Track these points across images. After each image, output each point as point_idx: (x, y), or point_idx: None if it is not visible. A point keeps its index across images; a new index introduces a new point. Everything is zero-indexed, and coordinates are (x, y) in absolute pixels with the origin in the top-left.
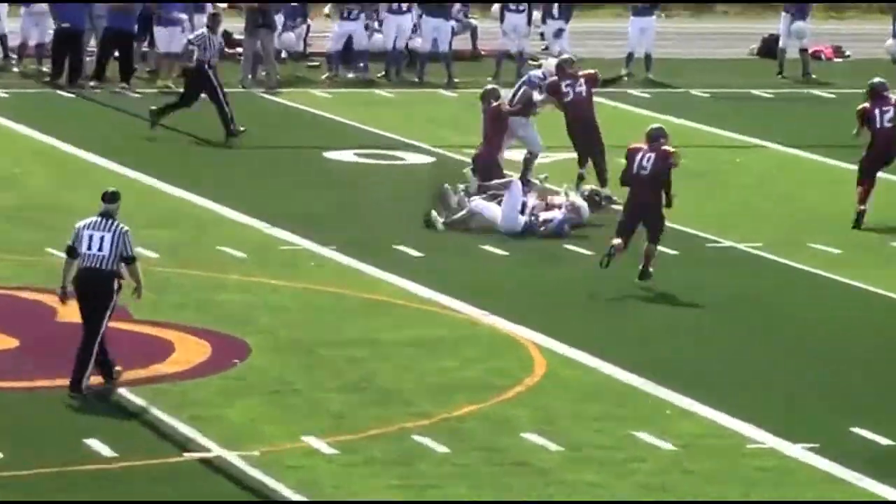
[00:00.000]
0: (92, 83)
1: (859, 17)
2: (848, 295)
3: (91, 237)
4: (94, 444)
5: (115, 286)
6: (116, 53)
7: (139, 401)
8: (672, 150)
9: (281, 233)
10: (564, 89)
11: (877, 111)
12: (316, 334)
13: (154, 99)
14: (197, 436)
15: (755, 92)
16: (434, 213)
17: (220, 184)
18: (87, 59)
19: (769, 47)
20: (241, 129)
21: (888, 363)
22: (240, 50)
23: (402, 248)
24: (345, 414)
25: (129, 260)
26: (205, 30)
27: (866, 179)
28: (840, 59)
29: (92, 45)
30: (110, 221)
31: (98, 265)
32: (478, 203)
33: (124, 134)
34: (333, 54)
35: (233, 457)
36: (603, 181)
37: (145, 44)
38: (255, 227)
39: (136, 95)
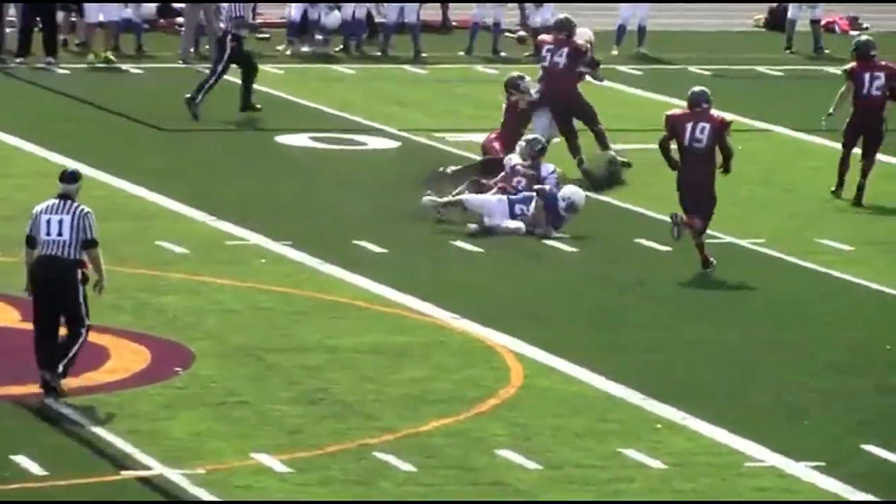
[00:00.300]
0: (17, 59)
1: None
2: (860, 296)
3: (49, 221)
4: (23, 460)
5: (79, 276)
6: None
7: (71, 413)
8: (727, 118)
9: (228, 226)
10: (543, 53)
11: (866, 75)
12: (267, 340)
13: (85, 74)
14: (135, 452)
15: (761, 69)
16: (429, 197)
17: (159, 171)
18: (8, 30)
19: (777, 18)
20: (258, 106)
21: None
22: (180, 20)
23: (363, 243)
24: (299, 428)
25: (89, 244)
26: None
27: (848, 155)
28: (857, 32)
29: (12, 14)
30: (69, 203)
31: (58, 252)
32: (469, 198)
33: (51, 115)
34: (291, 25)
35: (175, 475)
36: (604, 144)
37: (73, 13)
38: (199, 220)
39: (65, 71)
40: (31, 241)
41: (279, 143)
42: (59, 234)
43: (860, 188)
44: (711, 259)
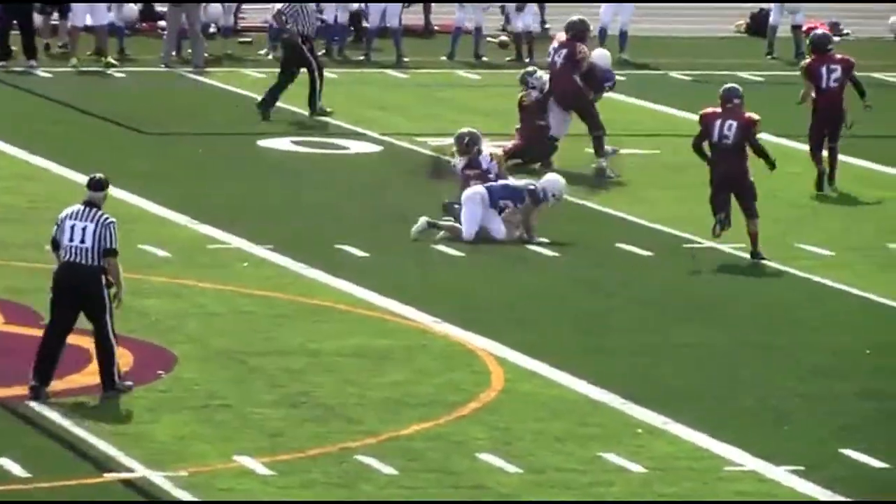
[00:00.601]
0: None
1: None
2: (843, 301)
3: (73, 227)
4: (5, 462)
5: (104, 282)
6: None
7: (54, 415)
8: (755, 116)
9: (210, 230)
10: (550, 50)
11: (823, 69)
12: (249, 343)
13: (68, 78)
14: (118, 454)
15: (742, 74)
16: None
17: (141, 174)
18: None
19: (758, 24)
20: (329, 109)
21: (887, 378)
22: (162, 24)
23: (345, 247)
24: (281, 431)
25: (109, 252)
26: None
27: (818, 152)
28: (838, 38)
29: None
30: (94, 211)
31: (80, 259)
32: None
33: (33, 117)
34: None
35: (158, 478)
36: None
37: (55, 16)
38: (181, 224)
39: (47, 74)
40: (55, 245)
41: (261, 146)
42: (82, 241)
43: (832, 169)
44: (761, 252)
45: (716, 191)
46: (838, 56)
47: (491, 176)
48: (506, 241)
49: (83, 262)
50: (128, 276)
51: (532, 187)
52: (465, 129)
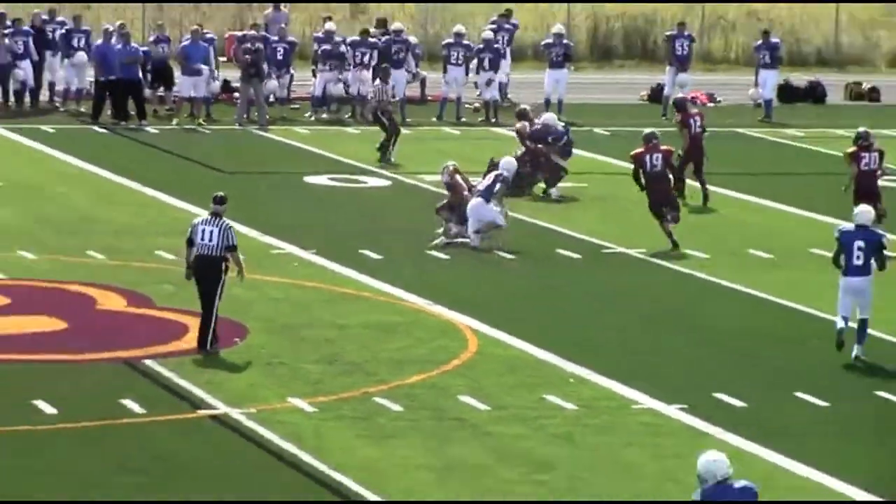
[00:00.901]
0: (121, 123)
1: (728, 70)
2: (712, 290)
3: (203, 231)
4: (129, 403)
5: (224, 268)
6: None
7: (163, 370)
8: (671, 148)
9: (271, 240)
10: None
11: (691, 120)
12: (298, 319)
13: (170, 133)
14: (208, 397)
15: (644, 130)
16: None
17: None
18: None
19: (657, 94)
20: (391, 159)
21: (742, 343)
22: (236, 95)
23: (365, 252)
24: (320, 381)
25: (231, 248)
26: (378, 81)
27: (680, 179)
28: (713, 104)
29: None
30: (218, 218)
31: (209, 253)
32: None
33: (145, 162)
34: (315, 98)
35: (236, 413)
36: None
37: (160, 89)
38: (252, 236)
39: (154, 130)
40: (190, 243)
41: (307, 181)
42: (210, 240)
43: (705, 197)
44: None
45: (654, 204)
46: (696, 111)
47: (502, 172)
48: (482, 248)
49: (210, 254)
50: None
51: (502, 176)
52: (449, 163)
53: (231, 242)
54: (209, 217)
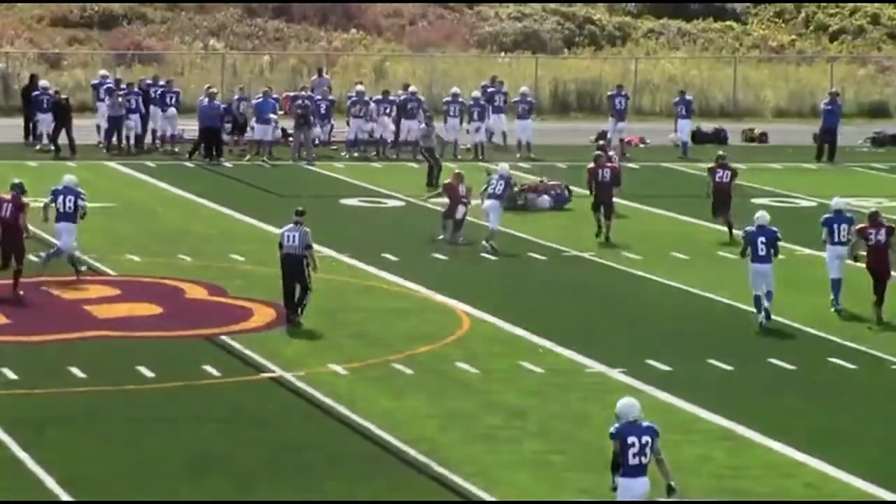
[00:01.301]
0: (206, 159)
1: (654, 119)
2: (644, 283)
3: (288, 235)
4: (208, 368)
5: (306, 263)
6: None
7: (234, 343)
8: (617, 164)
9: (316, 246)
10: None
11: (599, 171)
12: (336, 305)
13: (242, 167)
14: (267, 363)
15: (591, 165)
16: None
17: (277, 217)
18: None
19: (602, 138)
20: (439, 190)
21: (667, 322)
22: (290, 139)
23: (386, 254)
24: (352, 351)
25: (308, 247)
26: (423, 125)
27: (597, 212)
28: (643, 146)
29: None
30: (299, 226)
31: (294, 252)
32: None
33: (223, 188)
34: (349, 141)
35: (289, 376)
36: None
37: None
38: None
39: (229, 165)
40: (281, 247)
41: (342, 203)
42: (294, 242)
43: (607, 229)
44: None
45: (596, 205)
46: (612, 155)
47: (500, 175)
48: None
49: (295, 253)
50: (272, 271)
51: (506, 178)
52: (457, 170)
53: (308, 242)
54: (292, 225)
